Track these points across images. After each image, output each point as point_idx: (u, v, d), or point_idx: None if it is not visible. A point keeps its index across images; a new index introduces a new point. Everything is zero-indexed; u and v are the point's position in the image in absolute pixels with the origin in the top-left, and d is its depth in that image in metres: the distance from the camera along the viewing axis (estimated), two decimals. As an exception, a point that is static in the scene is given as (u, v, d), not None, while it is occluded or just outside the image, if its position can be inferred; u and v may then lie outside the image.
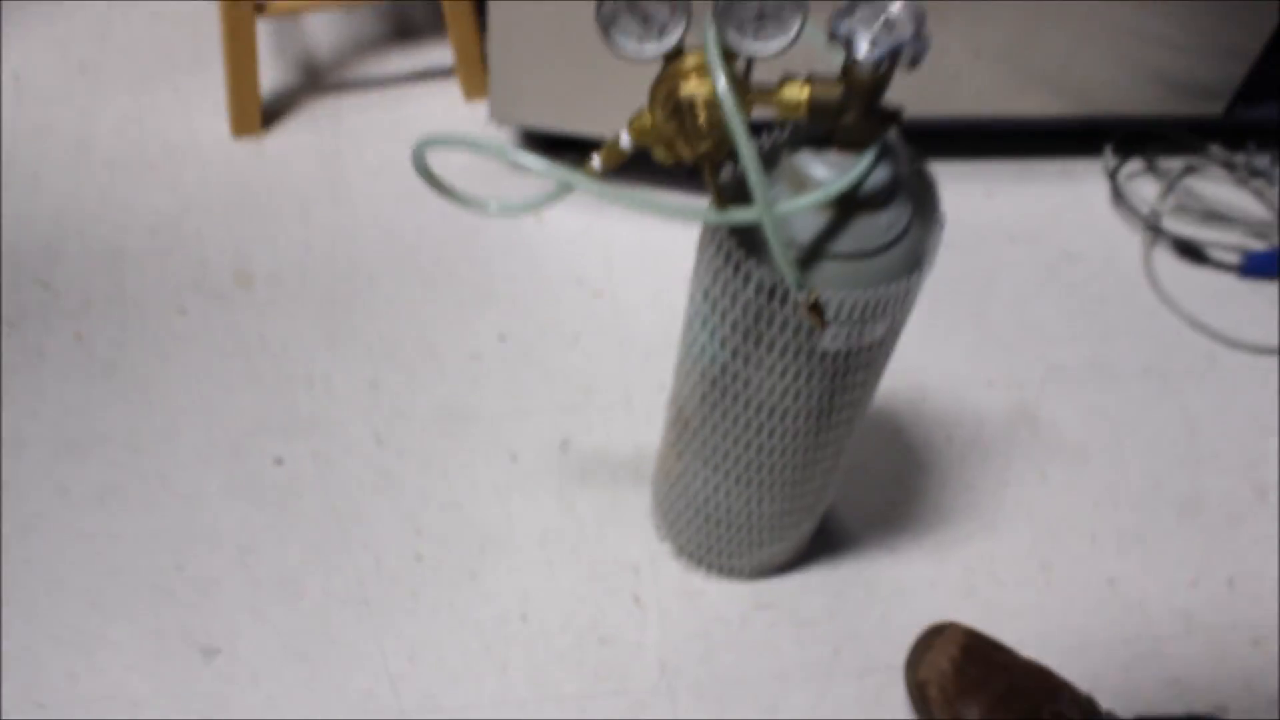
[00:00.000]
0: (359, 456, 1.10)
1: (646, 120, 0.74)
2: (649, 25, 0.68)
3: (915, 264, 0.77)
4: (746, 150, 0.67)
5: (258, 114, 1.40)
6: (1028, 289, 1.33)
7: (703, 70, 0.70)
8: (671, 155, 0.75)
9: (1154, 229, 1.39)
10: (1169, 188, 1.44)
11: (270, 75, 1.46)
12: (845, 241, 0.74)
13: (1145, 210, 1.41)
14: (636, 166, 0.75)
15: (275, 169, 1.37)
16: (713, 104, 0.69)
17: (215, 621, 0.98)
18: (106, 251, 1.26)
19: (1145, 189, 1.44)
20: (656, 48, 0.69)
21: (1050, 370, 1.24)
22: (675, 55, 0.70)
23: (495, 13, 1.21)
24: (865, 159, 0.72)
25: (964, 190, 1.39)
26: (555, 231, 1.32)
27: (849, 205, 0.73)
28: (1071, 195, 1.44)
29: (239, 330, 1.19)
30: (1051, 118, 1.38)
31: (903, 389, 1.20)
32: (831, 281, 0.74)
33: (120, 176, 1.34)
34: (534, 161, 0.70)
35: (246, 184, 1.35)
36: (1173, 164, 1.46)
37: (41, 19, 1.51)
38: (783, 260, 0.71)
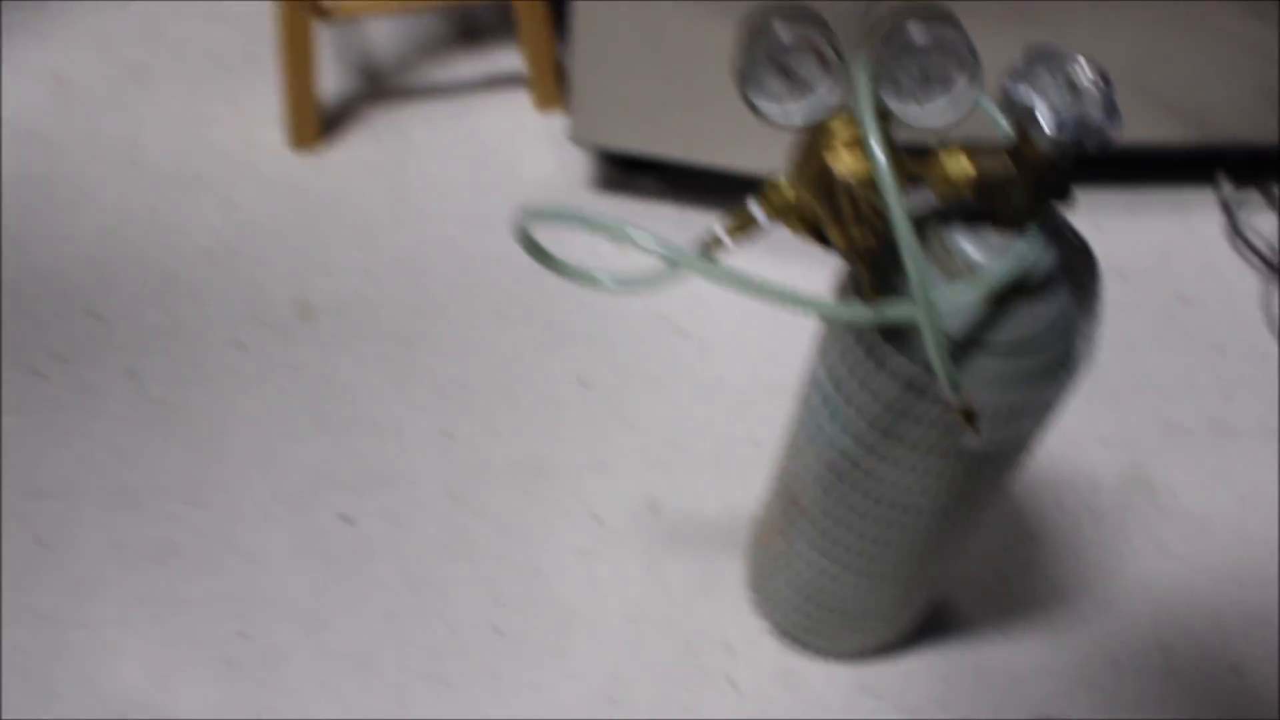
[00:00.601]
0: (433, 516, 1.03)
1: (787, 194, 0.66)
2: (794, 84, 0.60)
3: (1074, 361, 0.70)
4: (910, 246, 0.59)
5: (317, 124, 1.32)
6: (1140, 335, 1.23)
7: (852, 140, 0.62)
8: (810, 232, 0.67)
9: (1275, 268, 1.29)
10: (1289, 222, 1.34)
11: (330, 82, 1.38)
12: (999, 333, 0.66)
13: (1264, 247, 1.31)
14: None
15: (336, 185, 1.29)
16: (868, 185, 0.61)
17: (285, 699, 0.91)
18: (158, 276, 1.19)
19: (1262, 223, 1.34)
20: (804, 111, 0.60)
21: (1167, 428, 1.15)
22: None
23: (582, 22, 1.12)
24: (1030, 240, 0.64)
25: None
26: (634, 262, 1.23)
27: (1006, 292, 0.65)
28: (1184, 229, 1.34)
29: (301, 369, 1.12)
30: (1164, 143, 1.28)
31: (1009, 446, 1.11)
32: (984, 379, 0.67)
33: (171, 191, 1.27)
34: (651, 242, 0.63)
35: (305, 202, 1.27)
36: (1292, 196, 1.36)
37: (87, 15, 1.43)
38: (940, 361, 0.63)
